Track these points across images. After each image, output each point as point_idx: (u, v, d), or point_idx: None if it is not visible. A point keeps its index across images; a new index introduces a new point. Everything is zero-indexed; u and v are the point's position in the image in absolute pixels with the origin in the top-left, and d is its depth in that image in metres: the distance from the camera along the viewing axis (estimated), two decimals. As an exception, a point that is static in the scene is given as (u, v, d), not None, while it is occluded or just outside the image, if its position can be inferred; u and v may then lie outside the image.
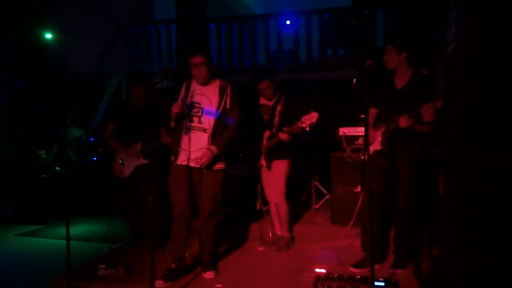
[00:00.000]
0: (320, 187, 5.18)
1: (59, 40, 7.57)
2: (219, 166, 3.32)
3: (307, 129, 3.47)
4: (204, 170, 3.24)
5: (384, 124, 3.30)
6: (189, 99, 3.24)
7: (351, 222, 3.81)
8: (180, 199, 3.27)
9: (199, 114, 3.22)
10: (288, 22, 7.46)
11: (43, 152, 6.43)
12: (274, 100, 3.94)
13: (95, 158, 6.46)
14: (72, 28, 8.21)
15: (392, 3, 6.58)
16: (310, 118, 3.41)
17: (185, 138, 3.22)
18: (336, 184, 4.42)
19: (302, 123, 3.45)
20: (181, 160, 3.25)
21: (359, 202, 3.71)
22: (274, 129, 3.85)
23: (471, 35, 2.32)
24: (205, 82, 3.26)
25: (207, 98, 3.23)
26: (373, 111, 3.51)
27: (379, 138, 3.33)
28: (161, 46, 8.05)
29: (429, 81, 3.34)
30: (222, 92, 3.26)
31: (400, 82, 3.33)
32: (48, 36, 7.34)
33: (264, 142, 3.90)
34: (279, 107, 3.89)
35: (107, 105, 7.78)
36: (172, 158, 3.31)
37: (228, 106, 3.26)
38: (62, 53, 8.30)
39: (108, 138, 4.14)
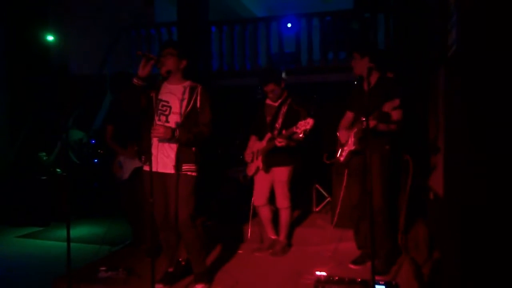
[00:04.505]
0: (321, 190, 5.18)
1: (60, 42, 7.59)
2: (189, 168, 3.14)
3: (301, 135, 3.43)
4: (173, 174, 3.11)
5: (356, 125, 3.41)
6: (158, 97, 3.16)
7: (335, 221, 3.91)
8: (160, 208, 3.18)
9: (167, 112, 3.14)
10: (289, 25, 7.46)
11: (44, 154, 6.45)
12: (279, 102, 3.91)
13: (96, 160, 6.47)
14: (74, 30, 8.23)
15: (393, 7, 6.59)
16: (305, 124, 3.38)
17: (154, 139, 3.11)
18: (337, 186, 4.42)
19: (297, 128, 3.43)
20: (152, 165, 3.07)
21: (339, 202, 3.88)
22: (275, 132, 3.81)
23: (472, 38, 2.32)
24: (173, 78, 3.17)
25: (176, 97, 3.16)
26: (349, 115, 3.68)
27: (352, 139, 3.43)
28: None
29: (392, 82, 3.45)
30: (192, 91, 3.18)
31: (367, 85, 3.39)
32: (50, 38, 7.36)
33: (264, 144, 3.88)
34: (283, 110, 3.85)
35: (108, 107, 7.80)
36: (143, 159, 3.20)
37: (198, 105, 3.17)
38: (64, 55, 8.32)
39: (109, 140, 4.16)
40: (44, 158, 6.40)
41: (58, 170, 6.24)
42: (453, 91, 2.94)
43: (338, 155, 3.64)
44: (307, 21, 7.39)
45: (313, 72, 7.29)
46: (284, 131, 3.66)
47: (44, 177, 6.06)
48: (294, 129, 3.46)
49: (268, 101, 3.97)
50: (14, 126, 7.69)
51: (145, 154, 3.15)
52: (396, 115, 3.23)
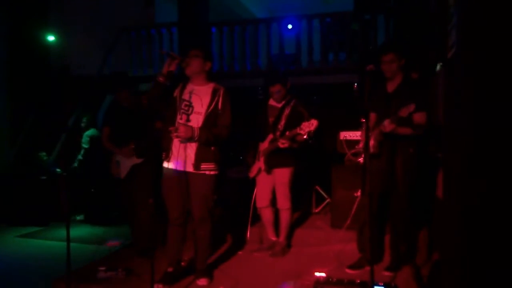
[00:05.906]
0: (321, 191, 5.18)
1: (61, 42, 7.59)
2: (207, 167, 3.22)
3: (305, 136, 3.44)
4: (194, 173, 3.19)
5: (376, 128, 3.36)
6: (182, 96, 3.24)
7: (347, 223, 3.84)
8: (175, 204, 3.25)
9: (189, 112, 3.22)
10: (289, 26, 7.48)
11: (44, 153, 6.44)
12: (283, 103, 3.90)
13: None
14: (74, 30, 8.24)
15: (393, 8, 6.60)
16: (309, 126, 3.39)
17: (175, 139, 3.18)
18: (337, 188, 4.42)
19: (301, 129, 3.44)
20: (172, 163, 3.22)
21: (355, 204, 3.76)
22: (278, 133, 3.80)
23: (472, 40, 2.32)
24: (197, 79, 3.25)
25: (199, 97, 3.22)
26: (372, 116, 3.57)
27: (372, 142, 3.37)
28: (163, 49, 8.06)
29: (417, 84, 3.42)
30: (214, 93, 3.25)
31: (391, 86, 3.42)
32: (50, 38, 7.36)
33: (266, 145, 3.87)
34: (286, 111, 3.84)
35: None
36: (164, 155, 3.27)
37: (219, 107, 3.25)
38: (64, 55, 8.33)
39: (105, 141, 4.18)
40: (44, 158, 6.40)
41: (58, 170, 6.24)
42: (453, 92, 2.94)
43: (352, 157, 3.63)
44: (308, 23, 7.40)
45: (313, 73, 7.29)
46: (287, 133, 3.66)
47: (44, 177, 6.06)
48: (298, 130, 3.47)
49: (271, 102, 3.97)
50: (14, 126, 7.68)
51: (165, 151, 3.25)
52: (418, 118, 3.22)
